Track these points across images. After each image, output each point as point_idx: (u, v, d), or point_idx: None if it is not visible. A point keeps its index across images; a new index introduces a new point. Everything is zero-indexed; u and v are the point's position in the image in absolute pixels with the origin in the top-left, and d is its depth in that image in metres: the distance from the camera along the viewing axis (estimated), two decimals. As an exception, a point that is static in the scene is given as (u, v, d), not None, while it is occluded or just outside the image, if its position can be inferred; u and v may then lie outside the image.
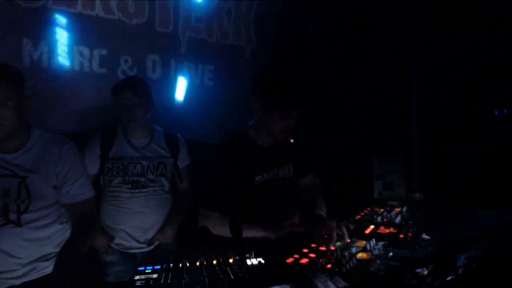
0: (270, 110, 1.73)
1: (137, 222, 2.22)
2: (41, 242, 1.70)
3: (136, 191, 2.21)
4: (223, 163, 1.77)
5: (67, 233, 1.86)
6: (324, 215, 1.83)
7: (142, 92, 2.19)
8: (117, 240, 2.22)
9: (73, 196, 1.72)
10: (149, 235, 2.26)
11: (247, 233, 1.52)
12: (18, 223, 1.63)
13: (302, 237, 1.66)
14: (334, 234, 1.59)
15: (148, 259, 2.23)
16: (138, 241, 2.24)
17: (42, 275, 1.73)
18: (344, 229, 1.64)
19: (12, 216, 1.63)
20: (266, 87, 1.75)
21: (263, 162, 1.83)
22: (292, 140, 1.98)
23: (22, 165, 1.62)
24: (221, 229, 1.59)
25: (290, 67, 1.85)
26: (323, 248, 1.52)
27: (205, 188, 1.85)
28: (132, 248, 2.24)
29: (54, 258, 1.77)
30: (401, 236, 1.63)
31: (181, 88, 2.89)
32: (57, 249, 1.78)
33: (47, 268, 1.74)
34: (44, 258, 1.73)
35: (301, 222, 1.70)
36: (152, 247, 2.28)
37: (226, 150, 1.83)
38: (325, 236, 1.61)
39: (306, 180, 2.09)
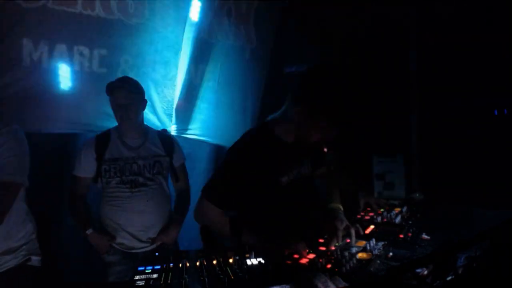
0: (315, 117, 1.52)
1: (138, 221, 2.22)
2: (5, 235, 1.69)
3: (136, 190, 2.21)
4: (246, 163, 1.60)
5: (29, 226, 1.85)
6: (339, 208, 1.80)
7: (136, 91, 2.22)
8: (118, 240, 2.22)
9: None
10: (151, 233, 2.26)
11: (249, 240, 1.53)
12: None
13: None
14: (335, 236, 1.56)
15: (148, 258, 2.23)
16: (140, 240, 2.24)
17: (5, 268, 1.72)
18: (353, 232, 1.59)
19: None
20: (320, 92, 1.51)
21: (287, 161, 1.70)
22: (326, 150, 1.86)
23: None
24: (221, 227, 1.60)
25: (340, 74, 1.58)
26: (323, 248, 1.52)
27: (217, 183, 1.66)
28: (134, 248, 2.24)
29: (18, 251, 1.75)
30: (401, 236, 1.63)
31: (181, 88, 2.89)
32: (20, 243, 1.78)
33: (10, 262, 1.74)
34: (7, 252, 1.72)
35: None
36: (154, 246, 2.27)
37: (250, 149, 1.64)
38: (326, 237, 1.61)
39: (319, 171, 2.02)
